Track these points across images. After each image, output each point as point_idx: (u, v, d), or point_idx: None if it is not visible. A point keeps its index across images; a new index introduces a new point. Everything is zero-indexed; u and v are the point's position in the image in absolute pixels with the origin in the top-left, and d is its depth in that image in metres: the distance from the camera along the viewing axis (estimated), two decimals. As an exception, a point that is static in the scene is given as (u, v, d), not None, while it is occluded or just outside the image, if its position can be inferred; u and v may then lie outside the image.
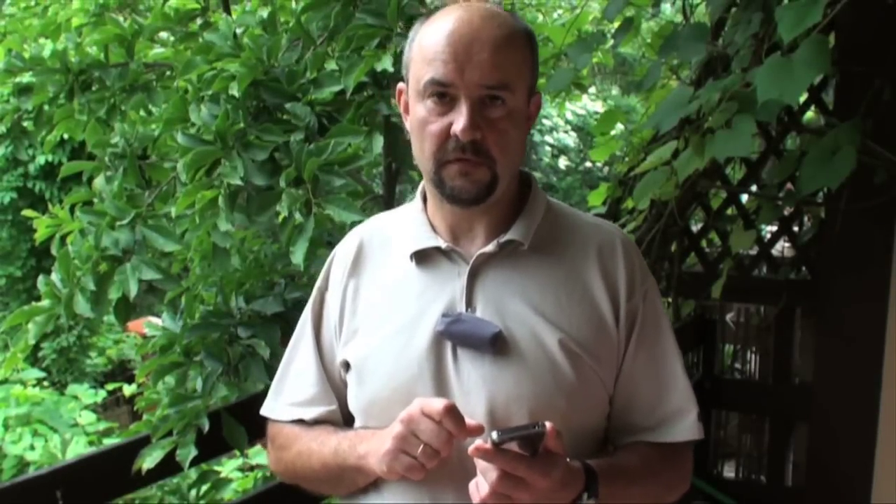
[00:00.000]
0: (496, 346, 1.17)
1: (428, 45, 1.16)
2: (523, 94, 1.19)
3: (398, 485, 1.19)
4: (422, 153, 1.19)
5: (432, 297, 1.22)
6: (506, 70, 1.15)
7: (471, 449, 1.03)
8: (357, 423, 1.30)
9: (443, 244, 1.24)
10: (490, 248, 1.22)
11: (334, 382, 1.32)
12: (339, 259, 1.35)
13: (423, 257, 1.25)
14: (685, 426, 1.29)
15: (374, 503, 1.25)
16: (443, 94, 1.14)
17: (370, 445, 1.17)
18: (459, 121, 1.13)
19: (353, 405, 1.28)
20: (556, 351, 1.18)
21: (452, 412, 1.07)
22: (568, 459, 1.10)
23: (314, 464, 1.28)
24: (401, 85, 1.27)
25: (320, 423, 1.32)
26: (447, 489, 1.17)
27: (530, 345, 1.19)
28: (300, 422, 1.33)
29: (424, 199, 1.31)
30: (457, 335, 1.19)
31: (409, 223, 1.29)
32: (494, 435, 1.03)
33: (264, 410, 1.38)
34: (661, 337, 1.29)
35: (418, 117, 1.18)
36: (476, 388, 1.17)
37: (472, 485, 1.08)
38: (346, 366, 1.29)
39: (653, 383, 1.28)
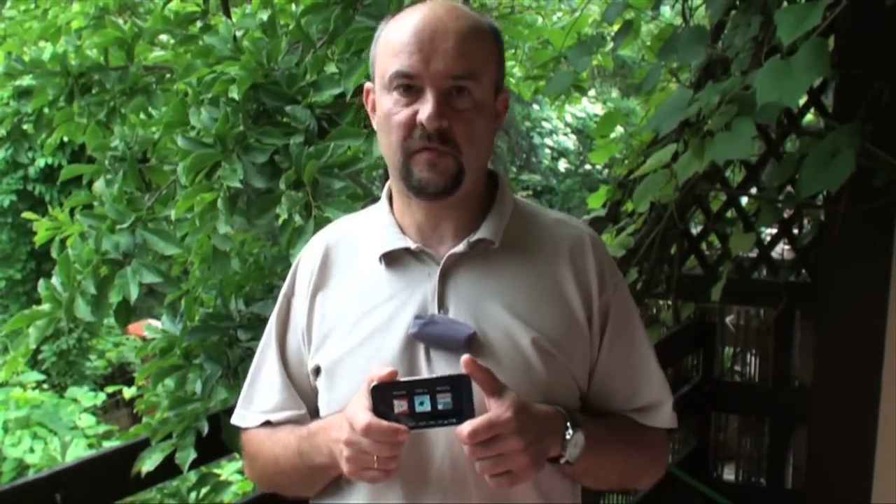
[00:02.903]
0: (471, 347, 1.17)
1: (393, 39, 1.17)
2: (489, 87, 1.19)
3: (370, 486, 1.19)
4: (389, 145, 1.19)
5: (403, 300, 1.22)
6: (471, 60, 1.15)
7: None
8: None
9: (412, 245, 1.22)
10: (461, 247, 1.21)
11: (302, 389, 1.31)
12: (304, 264, 1.32)
13: (392, 259, 1.24)
14: (660, 415, 1.31)
15: (351, 503, 1.24)
16: (408, 86, 1.15)
17: (329, 445, 1.17)
18: (425, 109, 1.13)
19: (325, 411, 1.26)
20: (529, 350, 1.19)
21: (370, 429, 1.06)
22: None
23: (285, 469, 1.27)
24: (367, 84, 1.26)
25: (285, 424, 1.30)
26: (426, 485, 1.17)
27: (504, 345, 1.19)
28: (267, 424, 1.31)
29: (390, 201, 1.30)
30: (430, 337, 1.18)
31: (377, 225, 1.28)
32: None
33: (235, 419, 1.36)
34: (633, 331, 1.31)
35: (384, 110, 1.18)
36: None
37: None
38: (317, 372, 1.28)
39: (628, 377, 1.29)
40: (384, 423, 1.06)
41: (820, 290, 2.55)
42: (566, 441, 1.14)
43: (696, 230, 2.94)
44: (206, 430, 1.77)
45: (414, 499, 1.18)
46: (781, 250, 3.20)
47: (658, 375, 1.32)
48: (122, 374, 9.27)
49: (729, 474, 3.38)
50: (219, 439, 1.81)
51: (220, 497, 2.14)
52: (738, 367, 3.78)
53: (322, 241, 1.33)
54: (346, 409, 1.11)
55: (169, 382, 2.01)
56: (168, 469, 1.74)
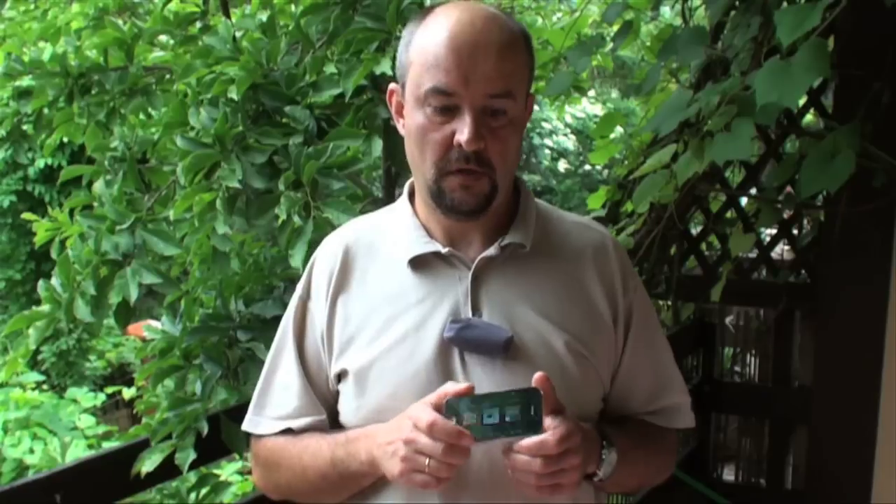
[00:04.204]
0: (508, 351, 1.16)
1: (428, 50, 1.13)
2: (523, 100, 1.18)
3: (407, 488, 1.17)
4: (422, 162, 1.17)
5: (434, 304, 1.20)
6: (509, 78, 1.13)
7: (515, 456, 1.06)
8: None
9: (442, 249, 1.21)
10: (492, 251, 1.21)
11: (320, 393, 1.28)
12: (321, 266, 1.30)
13: (419, 263, 1.23)
14: (681, 416, 1.34)
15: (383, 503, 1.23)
16: (444, 103, 1.13)
17: (372, 451, 1.16)
18: (464, 131, 1.11)
19: (353, 415, 1.24)
20: (563, 353, 1.19)
21: (435, 427, 1.05)
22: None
23: (312, 478, 1.25)
24: (393, 85, 1.24)
25: (307, 431, 1.28)
26: (463, 489, 1.16)
27: (539, 348, 1.18)
28: (286, 431, 1.29)
29: (411, 201, 1.28)
30: (468, 341, 1.18)
31: (401, 227, 1.27)
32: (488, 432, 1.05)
33: (247, 426, 1.34)
34: (654, 332, 1.33)
35: (417, 124, 1.15)
36: None
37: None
38: (339, 377, 1.26)
39: (650, 377, 1.30)
40: (449, 423, 1.05)
41: (820, 290, 2.54)
42: (602, 460, 1.16)
43: (695, 231, 2.94)
44: (205, 430, 1.77)
45: (452, 499, 1.17)
46: (781, 251, 3.20)
47: (677, 376, 1.34)
48: (121, 374, 9.26)
49: (729, 475, 3.37)
50: (218, 440, 1.81)
51: (219, 497, 2.14)
52: (737, 368, 3.78)
53: (340, 242, 1.30)
54: (408, 411, 1.10)
55: (168, 383, 2.00)
56: (168, 470, 1.74)
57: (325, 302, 1.27)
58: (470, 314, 1.19)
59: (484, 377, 1.16)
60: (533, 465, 1.05)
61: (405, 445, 1.08)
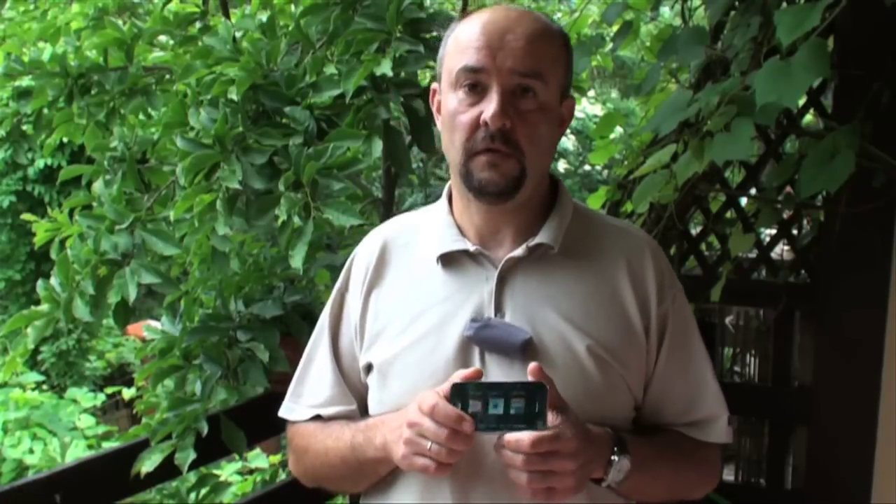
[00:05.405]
0: (526, 352, 1.17)
1: (462, 37, 1.17)
2: (556, 90, 1.19)
3: (420, 483, 1.20)
4: (451, 144, 1.19)
5: (460, 302, 1.22)
6: (539, 59, 1.15)
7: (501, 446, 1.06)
8: None
9: (471, 247, 1.23)
10: (519, 251, 1.21)
11: (353, 384, 1.31)
12: (360, 260, 1.33)
13: (449, 260, 1.24)
14: (715, 430, 1.30)
15: (397, 502, 1.25)
16: (475, 85, 1.15)
17: (385, 435, 1.17)
18: (490, 107, 1.13)
19: (376, 409, 1.27)
20: (584, 357, 1.18)
21: (436, 410, 1.07)
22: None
23: (333, 461, 1.27)
24: (434, 85, 1.27)
25: (336, 419, 1.31)
26: (475, 485, 1.17)
27: (559, 351, 1.18)
28: (317, 418, 1.32)
29: (450, 201, 1.30)
30: (486, 341, 1.18)
31: (435, 225, 1.28)
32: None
33: (283, 412, 1.38)
34: (690, 342, 1.30)
35: (449, 109, 1.18)
36: None
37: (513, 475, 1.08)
38: (368, 369, 1.28)
39: (684, 389, 1.28)
40: (450, 406, 1.06)
41: (820, 290, 2.54)
42: (610, 466, 1.14)
43: (695, 231, 2.93)
44: (205, 430, 1.78)
45: (463, 498, 1.18)
46: (781, 251, 3.19)
47: (714, 388, 1.31)
48: (121, 374, 9.27)
49: (728, 475, 3.37)
50: (218, 440, 1.82)
51: (219, 498, 2.14)
52: (737, 368, 3.78)
53: (379, 238, 1.33)
54: (417, 396, 1.11)
55: (168, 383, 2.01)
56: (167, 470, 1.74)
57: (360, 295, 1.30)
58: (493, 314, 1.20)
59: (501, 377, 1.16)
60: (515, 460, 1.05)
61: (409, 428, 1.10)
